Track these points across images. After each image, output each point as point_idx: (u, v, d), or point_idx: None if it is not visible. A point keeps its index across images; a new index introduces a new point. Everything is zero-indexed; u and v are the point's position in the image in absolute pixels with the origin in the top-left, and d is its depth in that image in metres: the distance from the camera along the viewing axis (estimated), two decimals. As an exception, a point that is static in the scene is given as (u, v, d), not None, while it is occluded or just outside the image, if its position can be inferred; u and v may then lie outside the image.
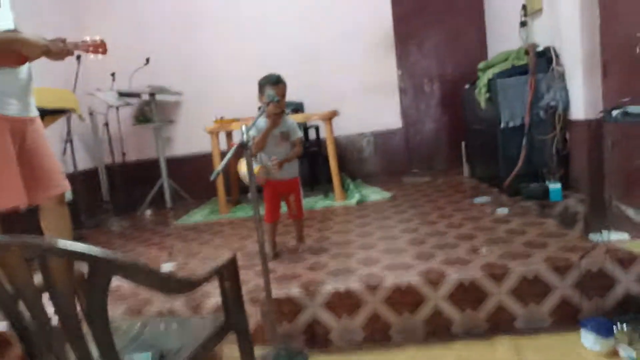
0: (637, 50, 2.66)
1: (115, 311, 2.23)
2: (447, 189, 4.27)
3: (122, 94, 4.87)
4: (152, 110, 5.11)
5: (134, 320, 1.73)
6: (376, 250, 2.72)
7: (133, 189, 5.19)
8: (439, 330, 2.17)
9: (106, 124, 5.09)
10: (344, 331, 2.21)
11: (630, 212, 2.82)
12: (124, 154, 5.30)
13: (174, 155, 5.53)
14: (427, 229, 3.03)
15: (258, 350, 2.10)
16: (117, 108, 5.02)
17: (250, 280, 2.45)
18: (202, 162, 4.78)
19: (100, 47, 2.39)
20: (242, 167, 2.59)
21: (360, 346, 2.18)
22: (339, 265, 2.54)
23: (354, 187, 4.76)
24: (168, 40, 5.47)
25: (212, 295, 2.27)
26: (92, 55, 2.40)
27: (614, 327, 1.93)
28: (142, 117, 5.30)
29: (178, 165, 5.44)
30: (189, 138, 5.47)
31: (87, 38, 2.38)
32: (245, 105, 4.62)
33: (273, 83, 2.66)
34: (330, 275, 2.39)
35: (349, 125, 5.32)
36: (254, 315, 2.22)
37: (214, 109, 4.87)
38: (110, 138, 5.11)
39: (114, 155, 5.17)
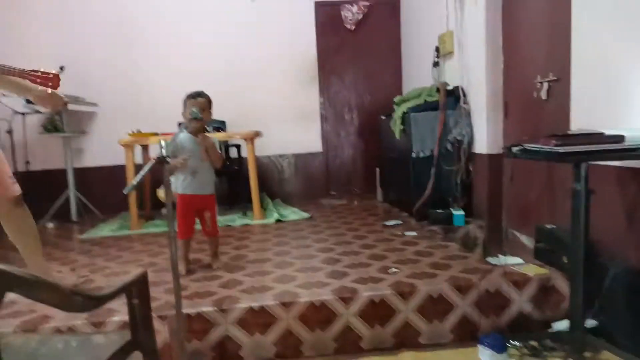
0: (535, 94, 2.98)
1: (7, 328, 2.05)
2: (362, 212, 4.43)
3: (30, 101, 4.54)
4: (62, 120, 4.82)
5: (28, 337, 1.61)
6: (292, 268, 2.75)
7: (36, 200, 4.80)
8: (348, 346, 2.23)
9: (9, 131, 4.72)
10: (255, 347, 2.20)
11: (523, 239, 3.10)
12: (27, 163, 4.93)
13: (84, 167, 5.23)
14: (342, 248, 3.12)
15: (165, 369, 2.04)
16: (24, 115, 4.69)
17: (160, 297, 2.37)
18: (114, 175, 4.58)
19: (51, 82, 2.22)
20: (161, 193, 2.54)
21: (272, 362, 2.19)
22: (254, 283, 2.53)
23: (272, 206, 4.79)
24: (90, 48, 5.21)
25: (118, 313, 2.17)
26: (39, 87, 2.21)
27: (507, 343, 2.10)
28: (51, 126, 4.96)
29: (88, 177, 5.15)
30: (102, 151, 5.20)
31: (41, 69, 2.21)
32: (164, 120, 4.53)
33: (194, 97, 2.67)
34: (244, 293, 2.37)
35: (270, 146, 5.38)
36: (162, 332, 2.14)
37: (131, 123, 4.70)
38: (14, 146, 4.74)
39: (16, 164, 4.78)
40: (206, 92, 2.78)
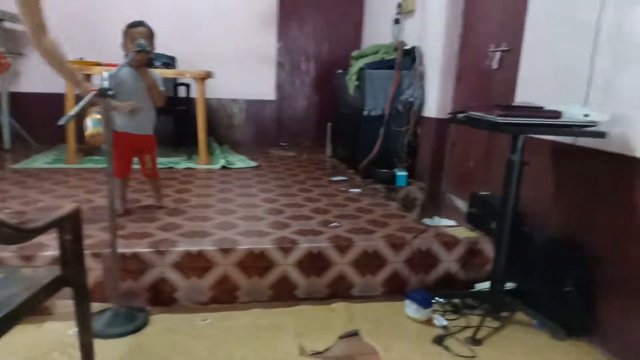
0: (487, 63, 3.03)
1: None
2: (310, 165, 4.45)
3: None
4: (-4, 38, 4.45)
5: (-50, 266, 1.54)
6: (234, 216, 2.75)
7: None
8: (283, 294, 2.30)
9: None
10: (190, 291, 2.22)
11: (459, 203, 3.24)
12: (-47, 82, 4.56)
13: (20, 91, 4.90)
14: (286, 200, 3.15)
15: (96, 307, 2.02)
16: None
17: (95, 235, 2.32)
18: (53, 103, 4.32)
19: None
20: (87, 123, 2.41)
21: (206, 306, 2.22)
22: (194, 227, 2.52)
23: (220, 152, 4.71)
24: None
25: (49, 248, 2.11)
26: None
27: (433, 299, 2.23)
28: (-16, 44, 4.58)
29: (23, 102, 4.84)
30: (41, 76, 4.81)
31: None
32: (109, 51, 4.24)
33: (135, 27, 2.50)
34: (183, 237, 2.36)
35: (222, 89, 5.21)
36: (95, 270, 2.11)
37: (74, 50, 4.39)
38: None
39: (-60, 83, 4.41)
40: (157, 25, 2.63)
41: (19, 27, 4.67)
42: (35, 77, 4.94)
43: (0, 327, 1.16)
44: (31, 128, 4.74)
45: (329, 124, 5.01)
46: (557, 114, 1.98)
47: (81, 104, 1.83)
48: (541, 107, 2.06)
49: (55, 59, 2.22)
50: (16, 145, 4.59)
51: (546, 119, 1.97)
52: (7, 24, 4.50)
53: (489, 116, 1.98)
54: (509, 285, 2.30)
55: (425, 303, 2.16)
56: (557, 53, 2.35)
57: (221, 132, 5.45)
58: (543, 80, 2.44)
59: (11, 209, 2.67)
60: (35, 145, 4.63)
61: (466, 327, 2.09)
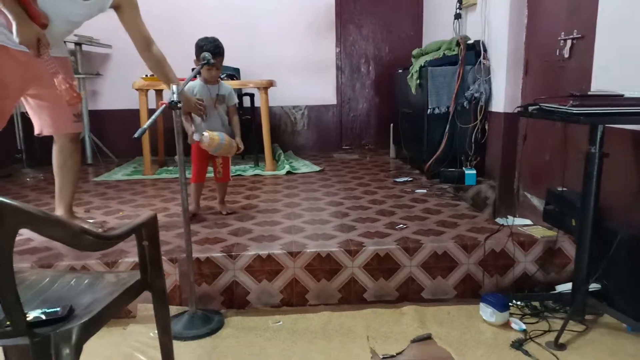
0: (557, 52, 2.88)
1: (22, 264, 2.13)
2: (373, 167, 4.42)
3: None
4: (77, 61, 4.80)
5: (42, 273, 1.66)
6: (300, 220, 2.78)
7: (50, 140, 4.86)
8: (352, 296, 2.29)
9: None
10: (262, 294, 2.27)
11: (534, 200, 3.08)
12: (41, 104, 4.96)
13: (99, 109, 5.25)
14: (351, 203, 3.14)
15: (174, 310, 2.11)
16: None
17: (171, 241, 2.43)
18: (129, 118, 4.59)
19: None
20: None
21: (277, 308, 2.25)
22: (263, 232, 2.57)
23: (284, 158, 4.80)
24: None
25: (130, 254, 2.23)
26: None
27: (510, 302, 2.13)
28: (65, 66, 4.96)
29: (102, 120, 5.18)
30: (116, 94, 5.20)
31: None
32: (179, 65, 4.46)
33: (200, 47, 2.62)
34: (253, 241, 2.42)
35: (284, 96, 5.32)
36: (172, 275, 2.21)
37: (145, 66, 4.66)
38: (27, 85, 4.75)
39: (30, 104, 4.81)
40: (222, 39, 2.73)
41: (95, 49, 5.02)
42: (112, 95, 5.28)
43: (89, 329, 1.22)
44: (110, 143, 5.06)
45: (391, 125, 4.96)
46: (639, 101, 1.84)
47: (153, 117, 1.92)
48: (621, 95, 1.92)
49: (161, 68, 2.48)
50: (97, 160, 4.92)
51: (628, 107, 1.84)
52: (85, 47, 4.84)
53: (562, 107, 1.87)
54: (593, 286, 2.15)
55: (501, 306, 2.06)
56: (635, 37, 2.18)
57: (285, 139, 5.55)
58: (622, 66, 2.27)
59: (95, 219, 2.85)
60: (115, 159, 4.93)
61: (547, 331, 1.98)
